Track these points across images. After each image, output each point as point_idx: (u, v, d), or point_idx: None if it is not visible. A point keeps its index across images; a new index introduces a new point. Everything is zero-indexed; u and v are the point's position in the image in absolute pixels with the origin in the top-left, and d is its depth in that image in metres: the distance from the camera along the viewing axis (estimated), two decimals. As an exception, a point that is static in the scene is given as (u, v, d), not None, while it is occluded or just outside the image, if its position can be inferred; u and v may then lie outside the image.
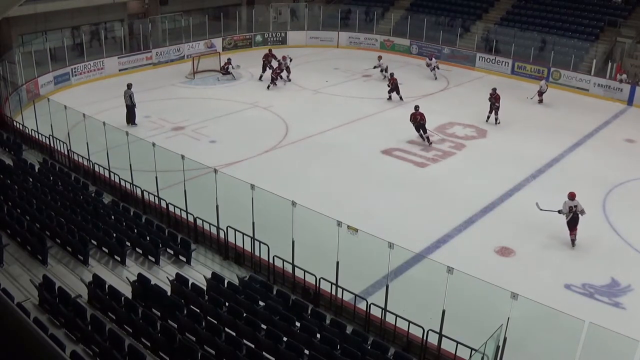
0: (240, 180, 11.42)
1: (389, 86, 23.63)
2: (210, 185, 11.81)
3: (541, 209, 13.72)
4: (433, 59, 27.36)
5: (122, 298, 9.10)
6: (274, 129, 20.14)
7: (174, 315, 8.78)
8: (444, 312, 8.88)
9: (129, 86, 19.95)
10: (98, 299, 9.28)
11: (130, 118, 19.93)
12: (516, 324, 8.43)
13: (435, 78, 26.88)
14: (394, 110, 22.49)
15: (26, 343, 2.12)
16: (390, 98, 23.55)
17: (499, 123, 20.96)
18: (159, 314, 9.01)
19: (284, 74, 25.27)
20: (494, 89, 21.13)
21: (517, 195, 15.85)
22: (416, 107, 19.41)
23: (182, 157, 12.24)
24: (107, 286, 9.35)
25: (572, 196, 13.43)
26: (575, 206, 13.27)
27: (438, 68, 27.00)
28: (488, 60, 28.35)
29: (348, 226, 9.73)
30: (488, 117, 21.15)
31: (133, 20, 29.29)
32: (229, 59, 26.29)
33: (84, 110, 15.30)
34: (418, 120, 19.04)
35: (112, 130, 14.49)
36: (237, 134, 19.71)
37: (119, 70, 26.13)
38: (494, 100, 20.85)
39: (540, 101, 23.68)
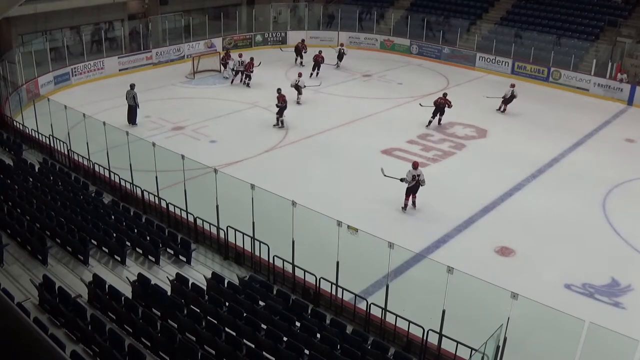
0: (240, 180, 11.42)
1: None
2: (210, 185, 11.81)
3: (385, 175, 14.55)
4: (343, 46, 28.42)
5: (122, 298, 9.10)
6: (274, 129, 20.13)
7: (174, 315, 8.78)
8: (444, 312, 8.88)
9: (132, 86, 19.93)
10: (98, 299, 9.28)
11: (132, 118, 19.93)
12: (516, 324, 8.42)
13: (337, 66, 27.76)
14: (394, 110, 22.51)
15: (26, 343, 2.12)
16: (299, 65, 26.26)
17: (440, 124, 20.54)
18: (159, 314, 9.01)
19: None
20: (445, 94, 20.41)
21: (517, 195, 15.85)
22: (279, 90, 20.44)
23: (182, 157, 12.24)
24: (107, 286, 9.34)
25: (415, 165, 14.54)
26: (418, 175, 14.34)
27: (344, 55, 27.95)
28: (488, 60, 28.35)
29: (348, 226, 9.73)
30: (430, 122, 20.36)
31: (133, 20, 29.29)
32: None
33: (84, 110, 15.30)
34: (285, 101, 20.20)
35: (112, 130, 14.49)
36: (237, 134, 19.72)
37: (119, 70, 26.12)
38: (442, 105, 20.11)
39: (504, 110, 22.15)
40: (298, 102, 22.43)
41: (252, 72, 24.66)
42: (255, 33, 31.87)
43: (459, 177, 16.86)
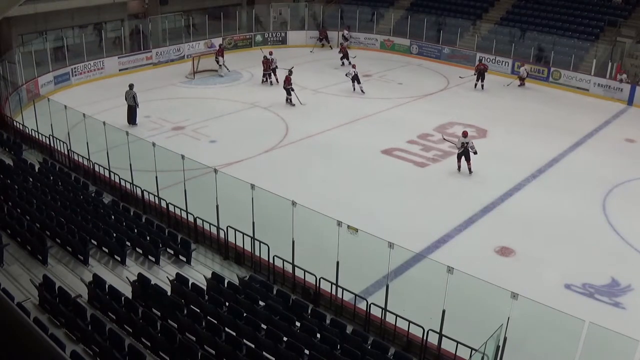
0: (240, 180, 11.42)
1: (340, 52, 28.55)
2: (210, 185, 11.81)
3: (444, 138, 18.03)
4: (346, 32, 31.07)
5: (122, 298, 9.10)
6: (274, 129, 20.14)
7: (174, 315, 8.78)
8: (444, 312, 8.88)
9: (131, 87, 19.93)
10: (98, 299, 9.28)
11: (132, 118, 19.93)
12: (516, 324, 8.42)
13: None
14: (394, 110, 22.52)
15: (26, 343, 2.12)
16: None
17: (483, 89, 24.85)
18: (159, 314, 9.02)
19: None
20: (481, 59, 25.73)
21: (517, 195, 15.84)
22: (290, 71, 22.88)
23: (182, 157, 12.24)
24: (107, 286, 9.35)
25: (465, 134, 16.93)
26: (467, 143, 16.55)
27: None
28: (488, 60, 28.30)
29: (348, 226, 9.73)
30: (476, 85, 25.04)
31: (133, 20, 29.29)
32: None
33: (84, 110, 15.31)
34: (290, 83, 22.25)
35: (112, 130, 14.49)
36: (237, 134, 19.71)
37: (119, 70, 26.13)
38: (482, 70, 24.75)
39: (522, 84, 25.67)
40: (362, 91, 24.03)
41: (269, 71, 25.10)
42: (255, 33, 31.88)
43: (459, 177, 16.85)
